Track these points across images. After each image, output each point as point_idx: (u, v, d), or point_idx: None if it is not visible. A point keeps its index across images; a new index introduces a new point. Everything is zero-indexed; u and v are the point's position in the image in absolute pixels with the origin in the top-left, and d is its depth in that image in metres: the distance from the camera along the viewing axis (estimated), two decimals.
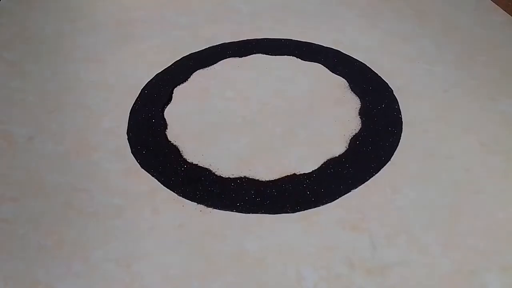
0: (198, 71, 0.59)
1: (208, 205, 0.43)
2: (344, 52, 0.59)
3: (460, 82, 0.54)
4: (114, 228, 0.42)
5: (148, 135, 0.50)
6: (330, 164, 0.46)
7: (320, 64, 0.58)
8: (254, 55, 0.61)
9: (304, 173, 0.46)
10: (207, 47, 0.62)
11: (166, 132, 0.51)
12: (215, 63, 0.60)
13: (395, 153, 0.47)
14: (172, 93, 0.56)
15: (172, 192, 0.44)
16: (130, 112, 0.53)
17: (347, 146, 0.48)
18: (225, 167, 0.47)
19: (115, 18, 0.70)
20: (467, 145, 0.47)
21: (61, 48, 0.64)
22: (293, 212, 0.42)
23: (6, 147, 0.50)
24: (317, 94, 0.54)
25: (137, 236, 0.41)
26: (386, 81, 0.54)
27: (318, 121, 0.51)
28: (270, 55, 0.60)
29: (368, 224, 0.41)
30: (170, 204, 0.43)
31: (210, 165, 0.47)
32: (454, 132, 0.48)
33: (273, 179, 0.45)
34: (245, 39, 0.63)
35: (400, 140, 0.48)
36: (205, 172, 0.46)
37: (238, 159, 0.47)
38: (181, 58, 0.61)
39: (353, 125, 0.50)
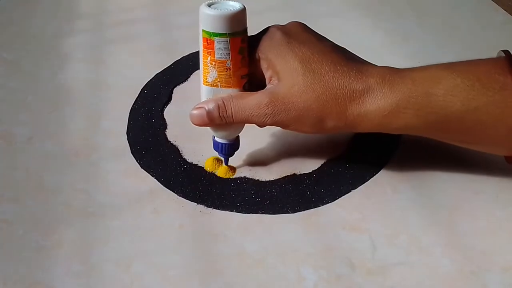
0: (198, 71, 0.58)
1: (208, 205, 0.43)
2: None
3: None
4: (114, 228, 0.42)
5: (147, 135, 0.50)
6: (330, 164, 0.46)
7: None
8: None
9: (304, 173, 0.46)
10: None
11: (165, 132, 0.51)
12: None
13: (395, 153, 0.47)
14: (172, 93, 0.56)
15: (172, 192, 0.44)
16: (130, 112, 0.53)
17: (347, 146, 0.48)
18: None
19: (115, 18, 0.70)
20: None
21: (61, 48, 0.64)
22: (293, 212, 0.42)
23: (6, 147, 0.50)
24: None
25: (137, 236, 0.41)
26: None
27: None
28: None
29: (368, 224, 0.41)
30: (170, 204, 0.43)
31: None
32: None
33: (273, 179, 0.45)
34: None
35: (400, 140, 0.48)
36: (205, 172, 0.46)
37: (238, 159, 0.47)
38: (181, 58, 0.61)
39: None
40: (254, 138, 0.49)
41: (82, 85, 0.58)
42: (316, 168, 0.46)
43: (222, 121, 0.41)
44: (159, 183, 0.45)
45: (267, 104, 0.39)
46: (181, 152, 0.49)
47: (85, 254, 0.40)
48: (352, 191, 0.44)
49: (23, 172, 0.47)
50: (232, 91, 0.41)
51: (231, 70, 0.40)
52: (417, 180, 0.44)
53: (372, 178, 0.45)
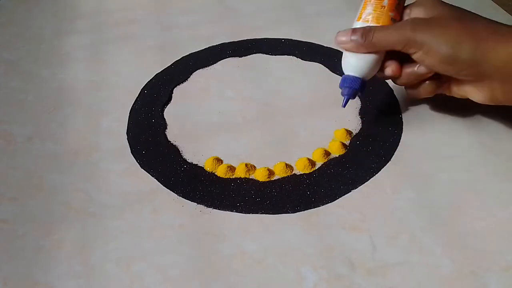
0: (198, 71, 0.59)
1: (208, 205, 0.43)
2: None
3: None
4: (114, 228, 0.42)
5: (147, 135, 0.50)
6: (330, 164, 0.46)
7: (320, 64, 0.58)
8: (254, 55, 0.61)
9: (304, 173, 0.46)
10: (207, 47, 0.62)
11: (165, 132, 0.51)
12: (215, 63, 0.60)
13: (395, 153, 0.47)
14: (172, 93, 0.56)
15: (172, 192, 0.44)
16: (130, 112, 0.53)
17: (347, 146, 0.48)
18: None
19: (115, 18, 0.70)
20: (468, 145, 0.47)
21: (61, 48, 0.64)
22: (293, 212, 0.42)
23: (6, 147, 0.50)
24: (317, 94, 0.54)
25: (137, 236, 0.41)
26: (387, 81, 0.54)
27: (318, 121, 0.51)
28: (270, 55, 0.60)
29: (368, 224, 0.41)
30: (170, 204, 0.43)
31: None
32: (454, 132, 0.48)
33: (273, 179, 0.45)
34: (245, 39, 0.63)
35: (400, 140, 0.48)
36: (205, 172, 0.46)
37: (238, 159, 0.47)
38: (181, 58, 0.61)
39: (353, 125, 0.50)
40: (254, 138, 0.49)
41: (82, 85, 0.58)
42: (316, 168, 0.46)
43: (362, 39, 0.43)
44: (159, 183, 0.45)
45: (409, 21, 0.43)
46: (181, 152, 0.49)
47: (85, 254, 0.40)
48: (352, 191, 0.44)
49: (23, 172, 0.47)
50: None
51: (385, 8, 0.44)
52: (417, 180, 0.44)
53: (372, 178, 0.45)
